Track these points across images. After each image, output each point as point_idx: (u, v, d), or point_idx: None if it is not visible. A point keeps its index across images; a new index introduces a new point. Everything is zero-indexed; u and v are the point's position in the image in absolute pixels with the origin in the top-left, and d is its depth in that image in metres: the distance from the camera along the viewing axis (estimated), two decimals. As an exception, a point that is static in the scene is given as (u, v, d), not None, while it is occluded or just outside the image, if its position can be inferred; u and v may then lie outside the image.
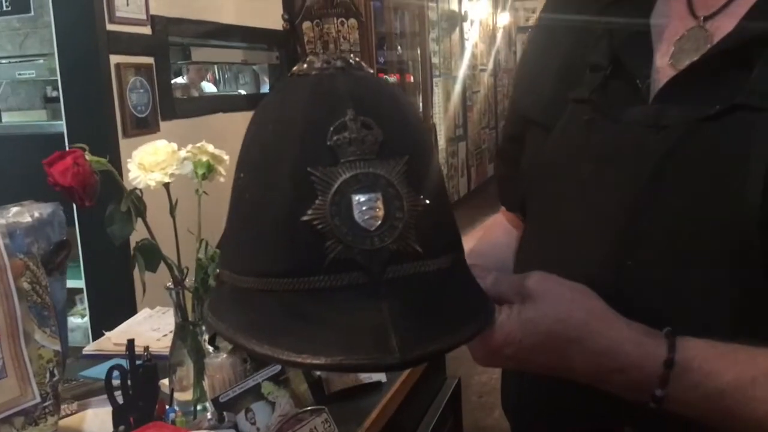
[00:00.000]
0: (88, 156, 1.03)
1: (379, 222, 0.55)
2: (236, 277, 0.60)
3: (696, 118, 0.65)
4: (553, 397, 0.73)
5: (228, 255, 0.63)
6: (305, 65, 0.61)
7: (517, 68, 0.92)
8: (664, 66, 0.70)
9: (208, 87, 4.69)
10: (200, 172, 1.12)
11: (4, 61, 2.98)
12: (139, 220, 1.09)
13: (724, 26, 0.68)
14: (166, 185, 1.08)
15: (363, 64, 0.62)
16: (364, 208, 0.55)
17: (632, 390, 0.62)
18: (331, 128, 0.55)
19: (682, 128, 0.66)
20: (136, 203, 1.06)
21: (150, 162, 1.04)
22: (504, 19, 9.11)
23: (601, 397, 0.63)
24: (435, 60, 6.47)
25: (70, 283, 2.53)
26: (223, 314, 0.60)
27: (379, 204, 0.55)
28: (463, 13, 7.72)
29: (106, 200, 1.09)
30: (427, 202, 0.57)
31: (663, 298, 0.66)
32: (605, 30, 0.75)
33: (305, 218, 0.54)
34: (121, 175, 1.13)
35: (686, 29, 0.71)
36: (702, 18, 0.70)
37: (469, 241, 0.65)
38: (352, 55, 0.63)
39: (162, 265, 1.13)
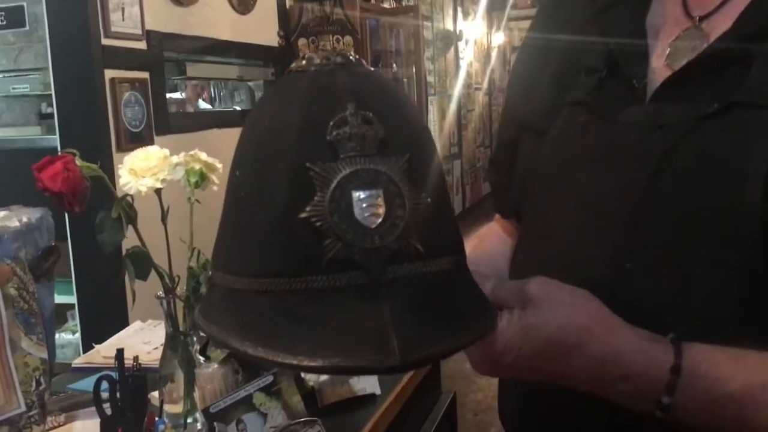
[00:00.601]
0: (78, 161, 1.01)
1: (380, 219, 0.53)
2: (230, 278, 0.58)
3: (694, 117, 0.64)
4: (553, 407, 0.72)
5: (221, 255, 0.61)
6: (304, 62, 0.59)
7: (510, 74, 0.91)
8: (660, 66, 0.70)
9: (204, 105, 4.69)
10: (193, 180, 1.10)
11: (-2, 75, 2.98)
12: (131, 228, 1.07)
13: (720, 26, 0.67)
14: (158, 191, 1.06)
15: (363, 61, 0.61)
16: (364, 204, 0.53)
17: (637, 398, 0.60)
18: (331, 123, 0.54)
19: (680, 127, 0.65)
20: (127, 210, 1.04)
21: (141, 167, 1.02)
22: (499, 38, 9.19)
23: (604, 407, 0.62)
24: (430, 78, 6.50)
25: (62, 299, 2.52)
26: (215, 317, 0.58)
27: (380, 201, 0.53)
28: (458, 32, 7.78)
29: (97, 211, 1.07)
30: (429, 200, 0.56)
31: (664, 301, 0.64)
32: (600, 33, 0.74)
33: (303, 215, 0.52)
34: (114, 188, 1.11)
35: (682, 29, 0.70)
36: (698, 18, 0.70)
37: (463, 250, 0.64)
38: (351, 52, 0.61)
39: (153, 276, 1.10)
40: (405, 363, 0.51)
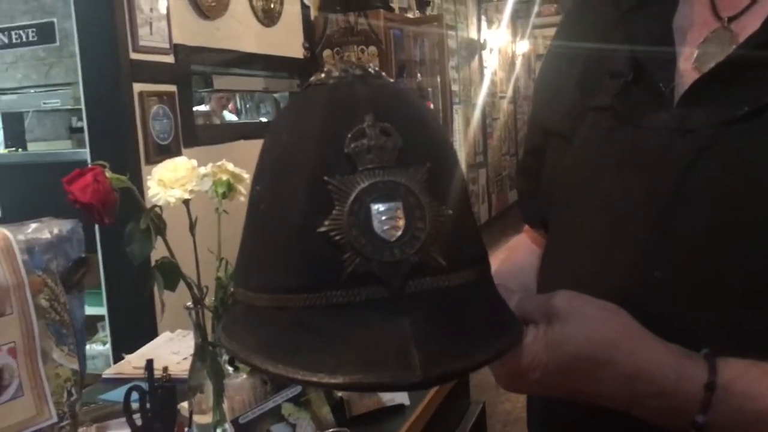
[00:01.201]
0: (108, 173, 1.03)
1: (400, 232, 0.52)
2: (250, 295, 0.57)
3: (723, 120, 0.63)
4: (582, 419, 0.70)
5: (242, 272, 0.61)
6: (323, 74, 0.59)
7: (536, 81, 0.90)
8: (688, 69, 0.68)
9: (229, 117, 4.74)
10: (220, 190, 1.11)
11: (30, 90, 3.03)
12: (159, 239, 1.08)
13: (749, 26, 0.65)
14: (186, 202, 1.08)
15: (382, 72, 0.60)
16: (383, 217, 0.52)
17: (669, 417, 0.58)
18: (349, 135, 0.53)
19: (709, 131, 0.63)
20: (156, 221, 1.05)
21: (170, 178, 1.04)
22: (523, 47, 9.16)
23: (636, 422, 0.60)
24: (455, 87, 6.49)
25: (93, 310, 2.55)
26: (237, 334, 0.57)
27: (400, 213, 0.52)
28: (482, 41, 7.77)
29: (127, 223, 1.08)
30: (450, 212, 0.55)
31: (694, 312, 0.62)
32: (625, 37, 0.73)
33: (322, 229, 0.52)
34: (143, 200, 1.13)
35: (710, 31, 0.68)
36: (726, 19, 0.68)
37: (492, 263, 0.63)
38: (371, 64, 0.61)
39: (182, 287, 1.12)
40: (427, 379, 0.49)
